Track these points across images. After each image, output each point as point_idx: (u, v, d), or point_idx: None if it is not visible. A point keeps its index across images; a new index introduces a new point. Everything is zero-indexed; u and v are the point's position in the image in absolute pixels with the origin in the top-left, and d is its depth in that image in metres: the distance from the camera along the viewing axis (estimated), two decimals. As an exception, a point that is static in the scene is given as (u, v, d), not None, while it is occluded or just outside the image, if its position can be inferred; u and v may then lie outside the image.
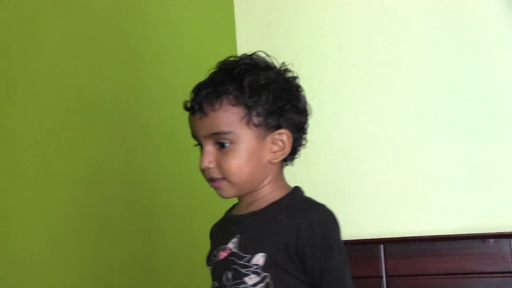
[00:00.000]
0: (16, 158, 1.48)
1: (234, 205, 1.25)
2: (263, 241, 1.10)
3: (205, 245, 1.36)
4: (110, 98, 1.89)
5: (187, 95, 1.22)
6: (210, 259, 1.19)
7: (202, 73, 1.35)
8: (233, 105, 1.11)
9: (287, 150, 1.15)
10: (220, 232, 1.22)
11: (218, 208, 1.46)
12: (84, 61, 1.80)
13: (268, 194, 1.17)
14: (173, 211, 1.97)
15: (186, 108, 1.16)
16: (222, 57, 1.56)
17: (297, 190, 1.20)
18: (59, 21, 1.79)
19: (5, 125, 1.48)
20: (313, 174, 2.25)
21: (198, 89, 1.14)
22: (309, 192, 1.93)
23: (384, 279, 2.11)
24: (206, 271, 1.23)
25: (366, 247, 2.14)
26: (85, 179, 1.68)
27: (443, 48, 2.27)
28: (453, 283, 2.09)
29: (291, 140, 1.14)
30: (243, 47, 2.50)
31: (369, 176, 2.24)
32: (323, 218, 1.10)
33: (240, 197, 1.21)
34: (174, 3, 2.31)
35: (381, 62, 2.31)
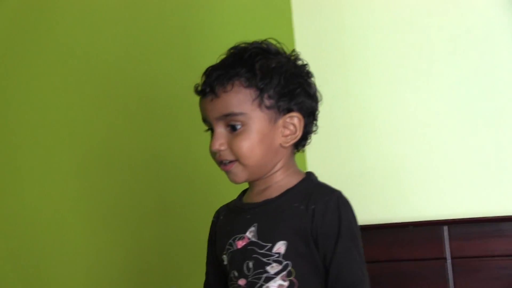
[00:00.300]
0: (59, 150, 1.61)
1: (244, 192, 1.24)
2: (282, 229, 1.10)
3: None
4: (170, 98, 2.02)
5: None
6: (226, 248, 1.17)
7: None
8: (245, 87, 1.10)
9: (299, 134, 1.14)
10: (232, 220, 1.20)
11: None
12: (145, 62, 1.95)
13: (281, 180, 1.15)
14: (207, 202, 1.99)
15: (197, 92, 1.15)
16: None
17: (310, 176, 1.19)
18: (123, 19, 1.93)
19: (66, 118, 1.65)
20: (370, 156, 2.25)
21: (209, 72, 1.13)
22: (367, 175, 1.95)
23: (449, 261, 2.09)
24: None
25: (430, 229, 2.11)
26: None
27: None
28: (520, 265, 2.02)
29: (302, 123, 1.14)
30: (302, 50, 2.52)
31: (431, 157, 2.21)
32: (337, 204, 1.10)
33: (251, 184, 1.19)
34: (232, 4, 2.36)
35: (428, 59, 2.25)
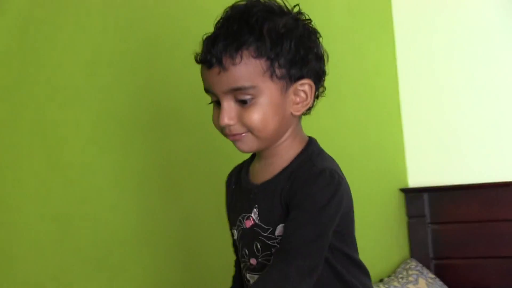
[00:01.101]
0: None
1: (253, 157, 1.25)
2: (277, 212, 1.12)
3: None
4: None
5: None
6: (236, 224, 1.21)
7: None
8: (255, 57, 1.06)
9: (310, 101, 1.13)
10: (241, 197, 1.23)
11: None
12: None
13: (286, 152, 1.16)
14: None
15: (200, 61, 1.11)
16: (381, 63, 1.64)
17: (309, 147, 1.19)
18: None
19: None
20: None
21: (214, 41, 1.08)
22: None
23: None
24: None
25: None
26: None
27: None
28: None
29: (313, 90, 1.13)
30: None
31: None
32: (319, 180, 1.10)
33: (259, 153, 1.20)
34: (334, 7, 2.48)
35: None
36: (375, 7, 2.97)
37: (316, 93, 1.14)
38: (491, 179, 2.55)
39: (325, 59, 1.16)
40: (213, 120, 1.14)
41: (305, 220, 1.07)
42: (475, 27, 2.80)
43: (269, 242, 1.13)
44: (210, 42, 1.08)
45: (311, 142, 1.18)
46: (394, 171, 2.91)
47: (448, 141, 2.76)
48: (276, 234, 1.12)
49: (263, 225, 1.13)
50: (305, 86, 1.10)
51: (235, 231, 1.20)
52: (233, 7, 1.11)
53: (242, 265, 1.22)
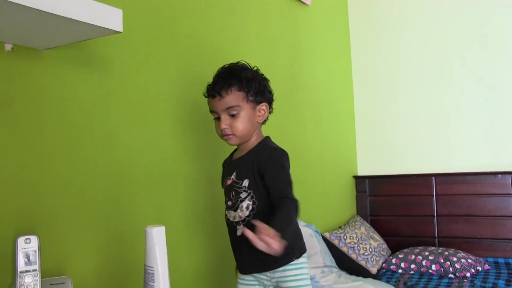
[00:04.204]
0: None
1: (235, 151, 1.62)
2: (246, 172, 1.49)
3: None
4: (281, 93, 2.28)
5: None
6: (223, 184, 1.58)
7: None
8: (237, 90, 1.47)
9: (266, 115, 1.54)
10: (227, 168, 1.60)
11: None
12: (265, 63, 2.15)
13: (253, 142, 1.54)
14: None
15: (208, 95, 1.50)
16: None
17: (265, 140, 1.56)
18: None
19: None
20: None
21: (215, 84, 1.48)
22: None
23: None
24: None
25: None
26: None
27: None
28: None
29: (268, 109, 1.54)
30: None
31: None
32: (270, 153, 1.49)
33: (239, 145, 1.56)
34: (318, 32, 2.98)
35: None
36: (335, 23, 3.39)
37: (270, 110, 1.56)
38: (404, 171, 3.44)
39: (273, 94, 1.57)
40: (216, 130, 1.54)
41: (278, 174, 1.45)
42: (415, 43, 3.45)
43: (239, 190, 1.51)
44: (213, 85, 1.49)
45: (267, 137, 1.57)
46: (349, 164, 3.52)
47: (382, 146, 3.51)
48: (242, 185, 1.50)
49: (237, 180, 1.51)
50: (263, 106, 1.53)
51: (223, 189, 1.58)
52: (223, 67, 1.55)
53: (225, 207, 1.56)
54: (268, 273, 1.50)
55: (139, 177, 1.62)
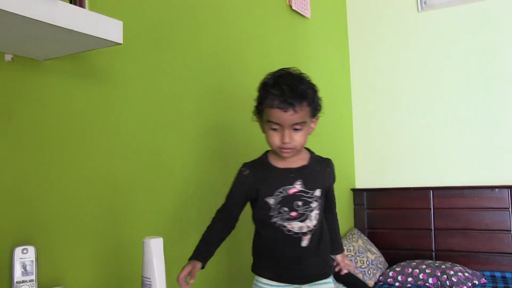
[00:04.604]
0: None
1: (266, 157, 1.55)
2: (318, 181, 1.51)
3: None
4: None
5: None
6: (274, 194, 1.48)
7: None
8: (307, 106, 1.45)
9: (314, 127, 1.53)
10: (277, 177, 1.51)
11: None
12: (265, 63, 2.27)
13: (303, 155, 1.54)
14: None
15: (277, 107, 1.41)
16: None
17: (311, 150, 1.58)
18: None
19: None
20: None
21: (287, 97, 1.40)
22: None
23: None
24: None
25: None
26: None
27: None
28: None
29: (316, 122, 1.53)
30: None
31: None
32: (333, 165, 1.57)
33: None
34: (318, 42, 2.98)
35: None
36: (334, 36, 3.36)
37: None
38: (402, 185, 3.44)
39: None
40: (272, 140, 1.47)
41: (332, 190, 1.59)
42: (414, 57, 3.46)
43: (309, 199, 1.49)
44: (285, 97, 1.39)
45: (309, 149, 1.58)
46: (347, 177, 3.50)
47: (380, 160, 3.53)
48: (314, 195, 1.50)
49: (307, 190, 1.49)
50: (315, 120, 1.52)
51: (271, 198, 1.48)
52: (291, 75, 1.47)
53: (277, 218, 1.49)
54: (305, 286, 1.56)
55: (137, 188, 1.61)
